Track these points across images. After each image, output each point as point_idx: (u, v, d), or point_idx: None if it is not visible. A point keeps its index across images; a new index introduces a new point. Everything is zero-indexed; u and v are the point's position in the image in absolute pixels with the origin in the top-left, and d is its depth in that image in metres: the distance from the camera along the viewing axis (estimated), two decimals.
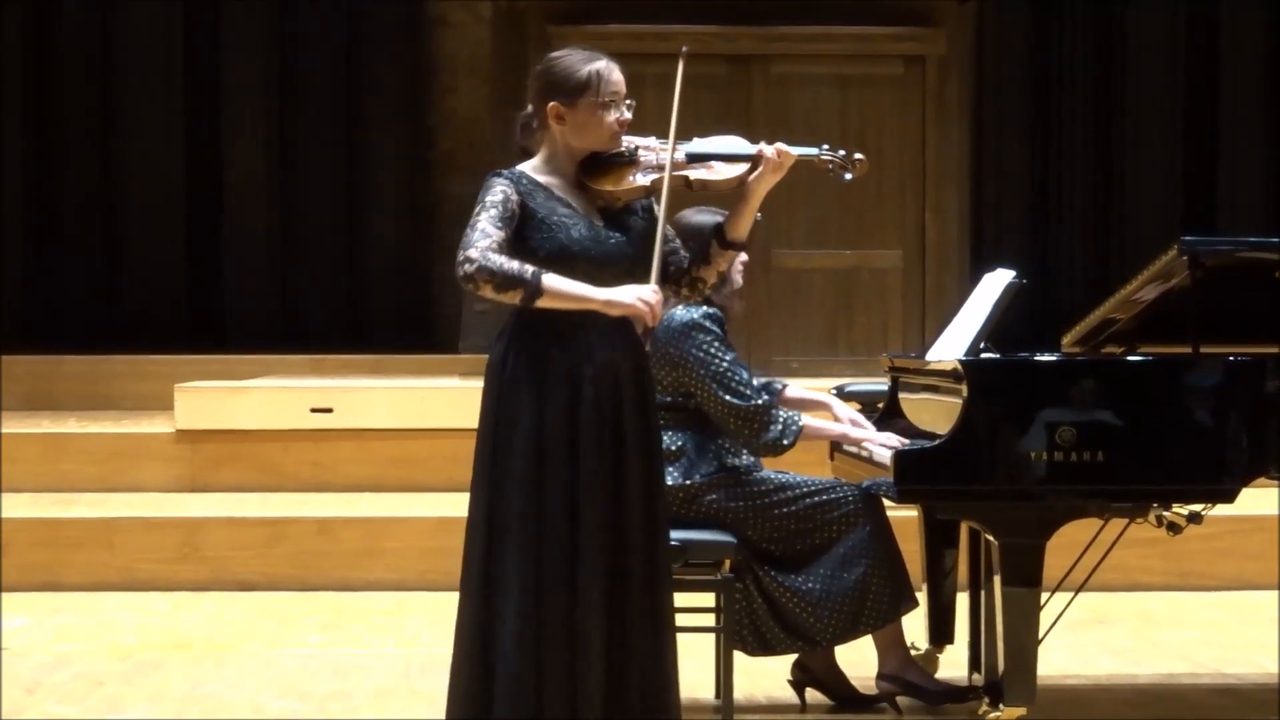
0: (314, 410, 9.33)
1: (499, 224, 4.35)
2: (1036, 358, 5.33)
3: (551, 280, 4.29)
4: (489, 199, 4.40)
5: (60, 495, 9.02)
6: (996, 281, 5.65)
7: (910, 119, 11.11)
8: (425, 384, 9.89)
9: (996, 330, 5.61)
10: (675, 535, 5.27)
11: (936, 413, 5.44)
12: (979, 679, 5.87)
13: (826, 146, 4.73)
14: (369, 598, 8.05)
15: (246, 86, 13.54)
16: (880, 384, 6.19)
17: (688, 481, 5.47)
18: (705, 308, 5.52)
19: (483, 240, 4.30)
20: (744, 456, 5.61)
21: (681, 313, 5.51)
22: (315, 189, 13.65)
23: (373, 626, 7.44)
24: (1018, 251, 12.70)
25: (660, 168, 4.49)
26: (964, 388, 4.97)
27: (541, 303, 4.29)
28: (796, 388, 5.87)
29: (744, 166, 4.58)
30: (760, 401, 5.45)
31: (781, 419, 5.45)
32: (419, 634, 7.25)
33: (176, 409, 9.37)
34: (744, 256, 5.40)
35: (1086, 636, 7.12)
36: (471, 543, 4.49)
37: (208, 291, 13.59)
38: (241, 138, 13.56)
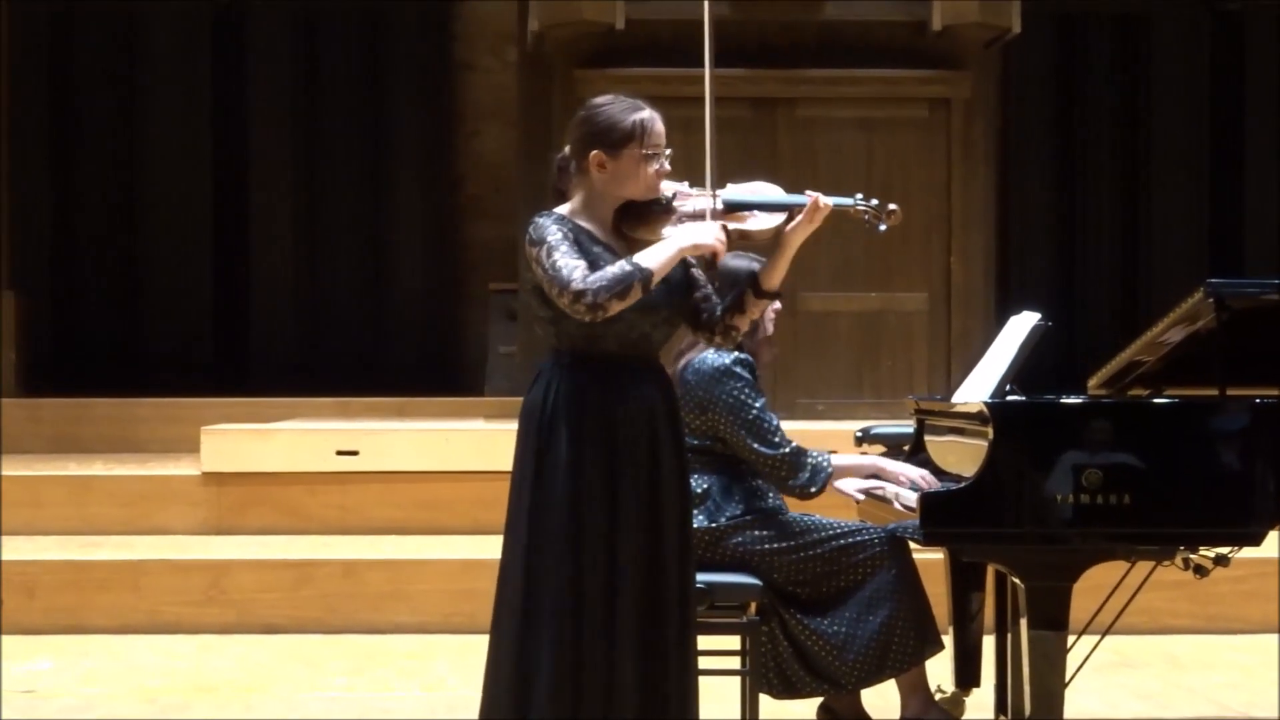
0: (339, 453, 9.35)
1: (576, 254, 4.38)
2: (1062, 400, 5.32)
3: (648, 260, 4.32)
4: (552, 239, 4.40)
5: (87, 538, 9.04)
6: (1022, 324, 5.64)
7: (935, 162, 11.10)
8: (450, 426, 9.89)
9: (1022, 373, 5.60)
10: (701, 578, 5.28)
11: (962, 455, 5.43)
12: None
13: (860, 196, 4.74)
14: (394, 640, 8.04)
15: (273, 130, 13.62)
16: (906, 426, 6.18)
17: (713, 524, 5.47)
18: (736, 353, 5.52)
19: (576, 271, 4.32)
20: (770, 499, 5.60)
21: (713, 357, 5.52)
22: (341, 232, 13.71)
23: (399, 670, 7.44)
24: (1044, 294, 12.72)
25: (696, 215, 4.50)
26: (990, 430, 4.96)
27: (654, 281, 4.33)
28: (844, 456, 5.79)
29: (782, 216, 4.59)
30: (789, 449, 5.46)
31: (810, 464, 5.45)
32: (445, 678, 7.25)
33: (203, 451, 9.39)
34: (776, 305, 5.43)
35: (1114, 680, 7.10)
36: (507, 586, 4.49)
37: (234, 335, 13.66)
38: (268, 182, 13.63)
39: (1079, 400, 5.37)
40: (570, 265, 4.32)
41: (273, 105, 13.64)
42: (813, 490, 5.46)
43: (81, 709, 6.66)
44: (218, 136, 13.68)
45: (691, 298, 4.61)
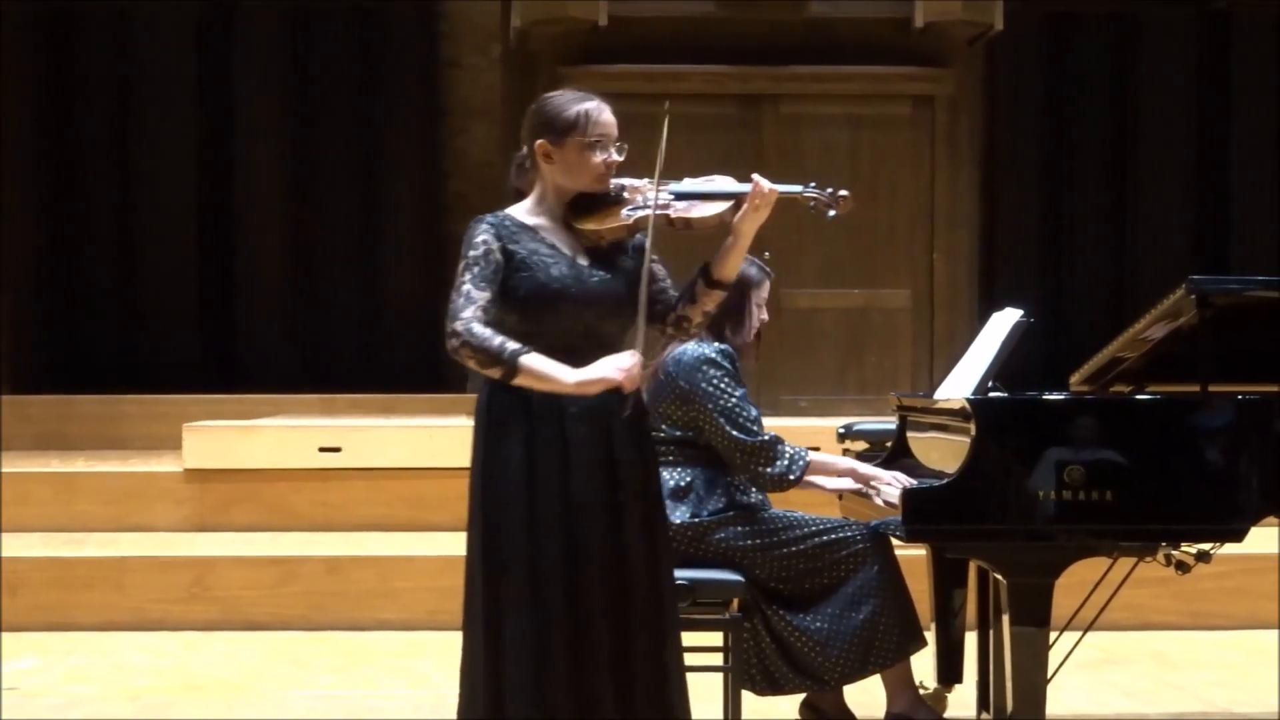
0: (322, 449, 9.34)
1: (482, 284, 4.36)
2: (1045, 396, 5.33)
3: (529, 361, 4.29)
4: (472, 254, 4.40)
5: (71, 535, 9.03)
6: (1004, 320, 5.65)
7: (920, 159, 11.12)
8: (435, 423, 9.88)
9: (1005, 369, 5.61)
10: (683, 575, 5.28)
11: (945, 451, 5.43)
12: (988, 718, 5.86)
13: (813, 184, 4.72)
14: (380, 638, 8.04)
15: (260, 128, 13.61)
16: (888, 423, 6.19)
17: (695, 519, 5.47)
18: (718, 344, 5.54)
19: (467, 309, 4.32)
20: (753, 494, 5.61)
21: (694, 348, 5.53)
22: (328, 230, 13.71)
23: (384, 667, 7.44)
24: (1028, 292, 12.72)
25: (645, 207, 4.49)
26: (972, 426, 4.97)
27: (518, 382, 4.31)
28: (822, 455, 5.80)
29: (726, 204, 4.56)
30: (766, 437, 5.46)
31: (788, 454, 5.45)
32: (430, 675, 7.25)
33: (185, 448, 9.39)
34: (764, 316, 5.61)
35: (1100, 676, 7.11)
36: (470, 584, 4.50)
37: (221, 332, 13.65)
38: (255, 179, 13.62)
39: (1061, 397, 5.38)
40: (468, 295, 4.34)
41: (260, 103, 13.62)
42: (790, 479, 5.44)
43: (66, 707, 6.65)
44: (205, 134, 13.66)
45: (649, 290, 4.60)
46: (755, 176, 4.57)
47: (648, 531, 4.50)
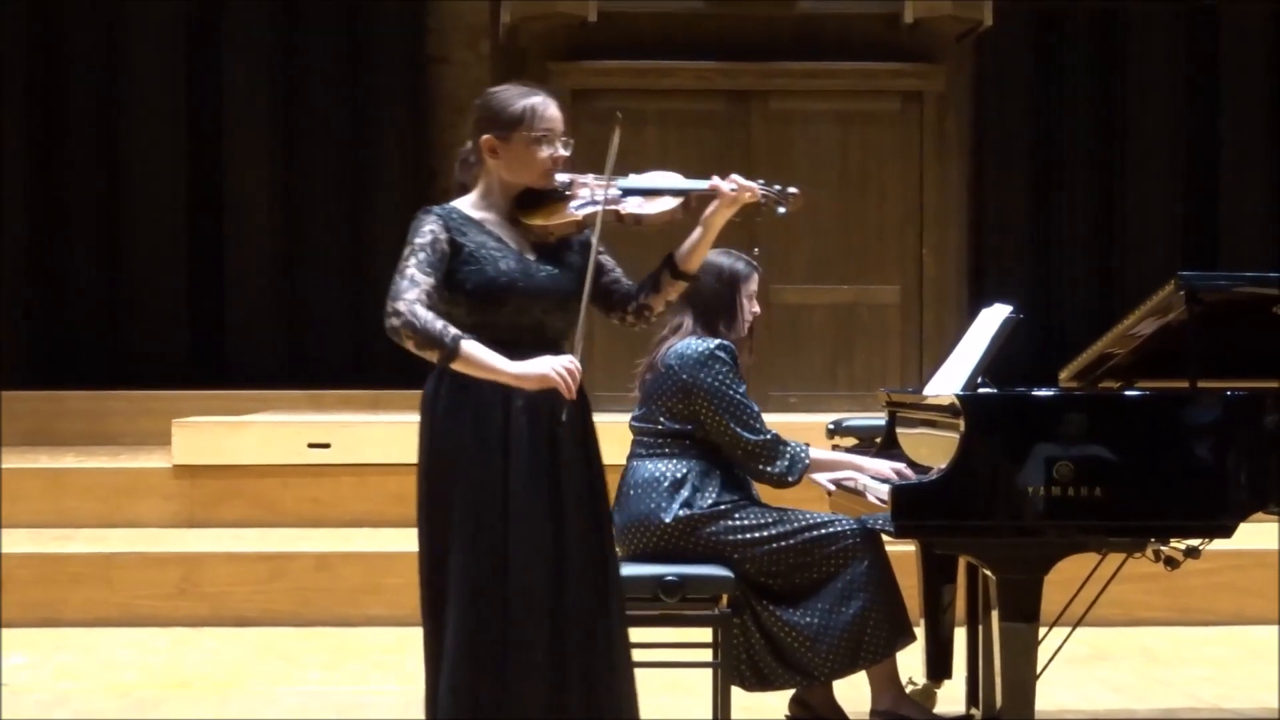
0: (311, 445, 9.34)
1: (427, 269, 4.37)
2: (1034, 392, 5.33)
3: (469, 347, 4.29)
4: (418, 241, 4.41)
5: (60, 531, 9.02)
6: (994, 316, 5.66)
7: (909, 155, 11.13)
8: None
9: (994, 365, 5.61)
10: (673, 570, 5.31)
11: (934, 447, 5.44)
12: (977, 714, 5.87)
13: (762, 181, 4.72)
14: (369, 634, 8.04)
15: (249, 124, 13.59)
16: (878, 419, 6.19)
17: (688, 512, 5.46)
18: (719, 339, 5.56)
19: (410, 291, 4.32)
20: (745, 488, 5.62)
21: (696, 343, 5.56)
22: (317, 224, 13.69)
23: (374, 664, 7.43)
24: (1017, 288, 12.72)
25: (593, 203, 4.50)
26: (961, 422, 4.97)
27: (456, 366, 4.32)
28: (822, 451, 5.81)
29: (676, 202, 4.57)
30: (769, 436, 5.48)
31: (789, 453, 5.48)
32: (419, 671, 7.20)
33: (174, 444, 9.38)
34: (755, 309, 5.66)
35: (1087, 672, 7.12)
36: (421, 577, 4.56)
37: (209, 328, 13.62)
38: (244, 174, 13.60)
39: (1050, 393, 5.39)
40: (411, 279, 4.34)
41: (248, 98, 13.59)
42: (790, 479, 5.49)
43: (55, 704, 6.65)
44: (194, 128, 13.63)
45: (599, 282, 4.61)
46: (717, 179, 4.59)
47: (591, 531, 4.51)
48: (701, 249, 4.62)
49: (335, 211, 13.68)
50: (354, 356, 13.57)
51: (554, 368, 4.30)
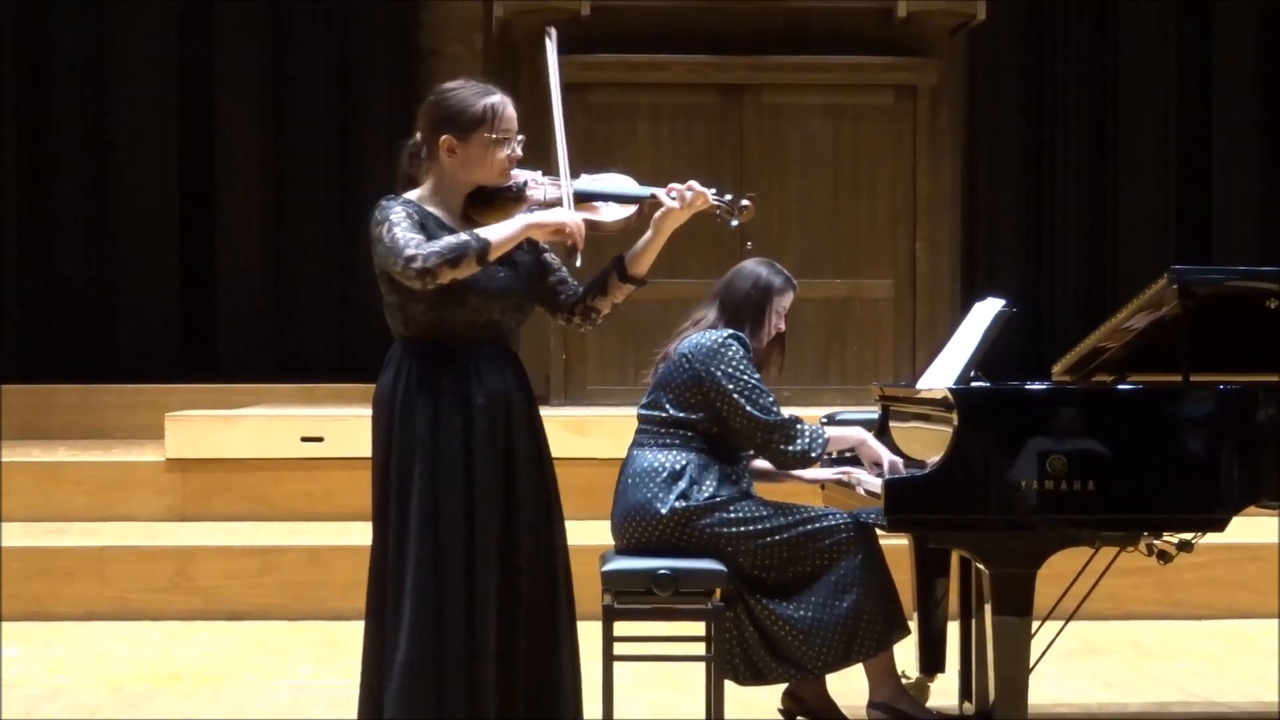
0: (305, 439, 9.34)
1: (415, 230, 4.37)
2: (1027, 386, 5.33)
3: (490, 233, 4.32)
4: (393, 218, 4.41)
5: (52, 525, 9.02)
6: (987, 310, 5.66)
7: (902, 149, 11.13)
8: None
9: (987, 359, 5.62)
10: (666, 564, 5.30)
11: (927, 441, 5.44)
12: (970, 708, 5.88)
13: (714, 191, 4.72)
14: (361, 628, 8.00)
15: (240, 118, 13.58)
16: (871, 412, 6.19)
17: (682, 505, 5.46)
18: (732, 329, 5.57)
19: (411, 239, 4.32)
20: (742, 483, 5.62)
21: (711, 333, 5.59)
22: (308, 219, 13.68)
23: None
24: (1010, 282, 12.75)
25: (546, 205, 4.50)
26: (954, 416, 4.97)
27: (492, 255, 4.32)
28: (833, 429, 5.81)
29: (632, 209, 4.59)
30: (787, 416, 5.50)
31: (808, 432, 5.48)
32: None
33: (167, 438, 9.37)
34: (786, 302, 5.79)
35: (1079, 666, 7.12)
36: (372, 573, 4.53)
37: (201, 322, 13.61)
38: (235, 168, 13.59)
39: (1043, 387, 5.39)
40: (406, 237, 4.33)
41: (240, 91, 13.58)
42: (813, 455, 5.48)
43: (48, 697, 6.64)
44: (184, 125, 13.61)
45: (546, 282, 4.62)
46: (675, 187, 4.62)
47: (543, 529, 4.53)
48: (650, 252, 4.65)
49: (326, 205, 13.66)
50: (344, 350, 13.56)
51: (563, 217, 4.36)
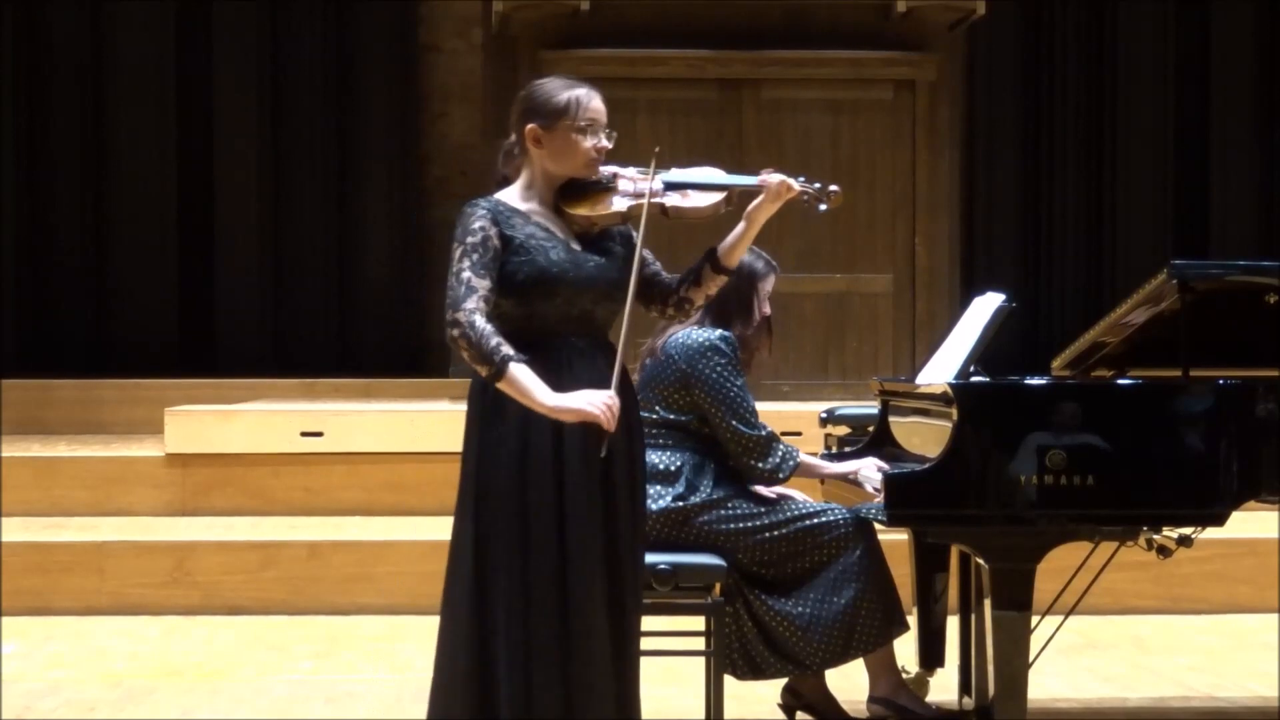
0: (304, 434, 9.34)
1: (482, 271, 4.35)
2: (1026, 381, 5.33)
3: (516, 371, 4.26)
4: (470, 241, 4.39)
5: (51, 519, 9.01)
6: (986, 305, 5.65)
7: (901, 144, 11.12)
8: (416, 408, 9.87)
9: (987, 354, 5.61)
10: (665, 559, 5.30)
11: (926, 436, 5.44)
12: (969, 703, 5.88)
13: (803, 178, 4.72)
14: (360, 622, 8.03)
15: (238, 114, 13.57)
16: (870, 407, 6.19)
17: (680, 503, 5.47)
18: (722, 330, 5.56)
19: (470, 299, 4.30)
20: (740, 483, 5.61)
21: (698, 333, 5.58)
22: (307, 214, 13.67)
23: (365, 653, 7.43)
24: (1009, 277, 12.75)
25: (637, 195, 4.50)
26: (954, 411, 4.97)
27: (500, 387, 4.29)
28: (809, 457, 5.78)
29: (719, 196, 4.58)
30: (765, 432, 5.51)
31: (781, 452, 5.50)
32: (412, 660, 7.23)
33: (166, 433, 9.37)
34: (769, 285, 5.72)
35: (1078, 661, 7.12)
36: (457, 566, 4.48)
37: (200, 316, 13.61)
38: (233, 164, 13.58)
39: (1043, 382, 5.38)
40: (468, 285, 4.32)
41: (238, 86, 13.57)
42: (780, 477, 5.52)
43: (47, 692, 6.64)
44: (182, 118, 13.61)
45: (641, 274, 4.61)
46: (766, 174, 4.60)
47: (633, 519, 4.51)
48: (744, 244, 4.63)
49: (326, 199, 13.66)
50: (343, 344, 13.57)
51: (592, 402, 4.28)
